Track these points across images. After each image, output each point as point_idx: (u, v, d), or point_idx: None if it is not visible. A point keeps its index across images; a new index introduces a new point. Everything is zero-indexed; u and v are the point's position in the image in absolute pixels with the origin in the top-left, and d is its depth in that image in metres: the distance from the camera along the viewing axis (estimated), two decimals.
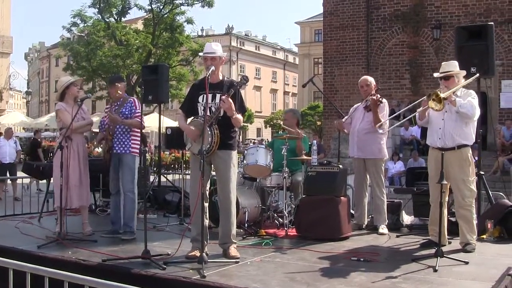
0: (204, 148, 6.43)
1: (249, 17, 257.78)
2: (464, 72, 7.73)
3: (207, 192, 7.02)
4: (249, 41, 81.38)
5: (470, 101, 7.26)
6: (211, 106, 6.80)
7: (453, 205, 8.19)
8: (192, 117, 7.04)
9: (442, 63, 7.85)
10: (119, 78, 9.80)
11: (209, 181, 7.12)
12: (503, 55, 22.18)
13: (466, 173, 7.38)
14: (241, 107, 6.97)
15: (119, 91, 8.81)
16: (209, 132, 6.65)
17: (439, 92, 7.00)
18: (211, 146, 6.67)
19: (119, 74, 37.44)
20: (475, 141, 7.72)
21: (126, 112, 8.65)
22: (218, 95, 6.86)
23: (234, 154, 7.05)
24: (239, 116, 6.84)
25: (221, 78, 7.05)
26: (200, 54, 7.17)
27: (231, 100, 6.63)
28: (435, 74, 7.78)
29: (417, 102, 7.99)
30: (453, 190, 7.52)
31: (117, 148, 8.53)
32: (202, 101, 6.91)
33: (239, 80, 6.97)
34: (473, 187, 7.51)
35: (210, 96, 6.82)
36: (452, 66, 7.64)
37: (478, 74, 8.37)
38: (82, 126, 8.76)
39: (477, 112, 7.33)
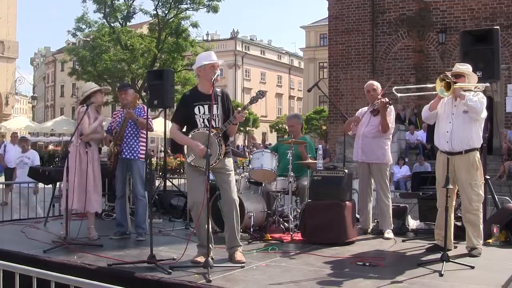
0: (213, 160, 6.56)
1: (254, 21, 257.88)
2: (476, 77, 7.68)
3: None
4: (254, 46, 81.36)
5: (479, 98, 7.25)
6: (209, 117, 6.76)
7: (459, 209, 8.18)
8: (196, 129, 6.87)
9: (456, 64, 7.84)
10: (127, 85, 9.93)
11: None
12: (509, 59, 22.14)
13: (474, 177, 7.35)
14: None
15: (128, 98, 8.88)
16: (217, 144, 6.68)
17: (447, 74, 6.99)
18: (217, 158, 6.68)
19: (124, 79, 37.67)
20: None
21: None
22: (214, 106, 6.75)
23: (231, 160, 7.11)
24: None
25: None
26: (205, 62, 6.91)
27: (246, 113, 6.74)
28: (448, 73, 7.75)
29: (424, 86, 7.95)
30: (460, 194, 7.49)
31: (126, 153, 8.65)
32: (199, 112, 6.88)
33: (255, 94, 7.00)
34: (481, 191, 7.47)
35: (206, 107, 6.83)
36: (465, 67, 7.63)
37: (488, 84, 8.38)
38: (97, 139, 8.89)
39: (485, 111, 7.31)
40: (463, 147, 7.30)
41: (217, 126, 6.80)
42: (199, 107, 6.88)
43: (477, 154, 7.41)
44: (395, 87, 8.55)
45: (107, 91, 42.65)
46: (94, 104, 8.81)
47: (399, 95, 8.89)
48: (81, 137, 8.55)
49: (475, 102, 7.17)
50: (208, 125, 6.71)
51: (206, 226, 6.46)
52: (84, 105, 8.66)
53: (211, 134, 6.66)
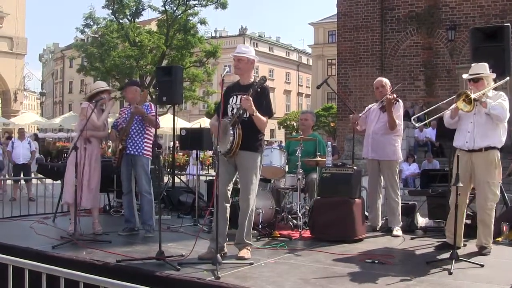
0: (225, 149, 6.65)
1: (263, 18, 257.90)
2: (494, 75, 7.54)
3: (228, 193, 7.02)
4: (262, 42, 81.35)
5: (500, 102, 7.13)
6: (238, 107, 6.85)
7: (469, 207, 8.13)
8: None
9: (472, 65, 7.68)
10: (132, 83, 10.05)
11: (232, 182, 7.13)
12: None
13: (492, 176, 7.26)
14: (267, 110, 6.98)
15: (127, 95, 9.15)
16: (231, 132, 6.69)
17: (469, 93, 6.90)
18: (232, 146, 6.69)
19: (132, 75, 37.74)
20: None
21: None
22: (230, 97, 6.95)
23: (259, 156, 7.04)
24: (261, 117, 6.84)
25: (251, 80, 7.09)
26: (231, 54, 7.22)
27: (250, 99, 6.66)
28: (464, 76, 7.63)
29: (440, 103, 7.88)
30: (476, 192, 7.40)
31: (130, 149, 8.66)
32: (231, 102, 6.99)
33: (257, 80, 6.98)
34: (497, 191, 7.39)
35: (239, 97, 6.91)
36: (483, 68, 7.45)
37: (508, 78, 8.31)
38: (100, 136, 8.95)
39: (508, 114, 7.20)
40: (483, 145, 7.20)
41: (237, 115, 6.83)
42: (233, 97, 7.02)
43: (497, 153, 7.31)
44: (413, 117, 8.51)
45: (115, 87, 42.84)
46: (100, 102, 8.83)
47: (416, 124, 8.88)
48: (81, 133, 8.55)
49: (498, 109, 7.06)
50: (234, 114, 6.83)
51: (216, 221, 6.47)
52: (93, 101, 8.71)
53: (227, 121, 6.79)
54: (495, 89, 7.54)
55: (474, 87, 7.23)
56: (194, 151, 22.03)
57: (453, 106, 7.39)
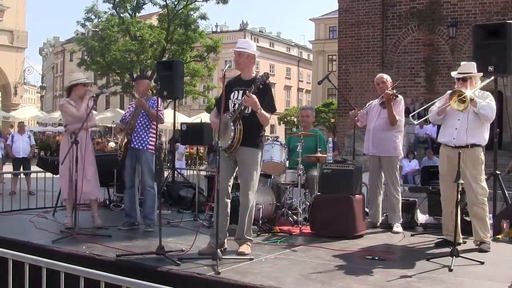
0: (226, 144, 6.64)
1: (264, 13, 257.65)
2: (480, 74, 7.65)
3: (229, 189, 7.01)
4: (263, 38, 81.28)
5: (489, 103, 7.21)
6: (240, 102, 6.83)
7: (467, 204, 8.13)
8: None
9: (461, 63, 7.71)
10: (143, 76, 10.01)
11: (232, 177, 7.11)
12: None
13: (479, 171, 7.35)
14: (269, 106, 6.95)
15: (139, 88, 9.02)
16: (232, 128, 6.67)
17: (464, 92, 6.92)
18: (233, 142, 6.68)
19: (133, 69, 37.76)
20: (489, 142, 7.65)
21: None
22: (232, 91, 6.95)
23: (259, 152, 7.03)
24: (265, 113, 6.82)
25: (253, 75, 7.08)
26: (231, 49, 7.19)
27: (254, 96, 6.63)
28: (453, 74, 7.68)
29: (438, 100, 7.86)
30: (465, 188, 7.41)
31: (135, 143, 8.65)
32: (233, 97, 6.98)
33: (259, 77, 6.97)
34: (485, 185, 7.46)
35: (241, 92, 6.91)
36: (471, 67, 7.53)
37: (493, 77, 8.32)
38: (84, 127, 8.75)
39: (495, 114, 7.29)
40: (469, 142, 7.26)
41: (239, 111, 6.82)
42: (234, 92, 7.02)
43: (481, 150, 7.41)
44: (411, 114, 8.56)
45: (116, 81, 42.87)
46: (77, 95, 8.77)
47: (414, 121, 8.89)
48: (65, 127, 8.51)
49: (488, 109, 7.14)
50: (236, 110, 6.81)
51: (216, 216, 6.46)
52: (94, 95, 8.69)
53: (228, 117, 6.77)
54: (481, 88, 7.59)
55: (463, 86, 7.26)
56: (181, 146, 22.09)
57: (441, 104, 7.47)
